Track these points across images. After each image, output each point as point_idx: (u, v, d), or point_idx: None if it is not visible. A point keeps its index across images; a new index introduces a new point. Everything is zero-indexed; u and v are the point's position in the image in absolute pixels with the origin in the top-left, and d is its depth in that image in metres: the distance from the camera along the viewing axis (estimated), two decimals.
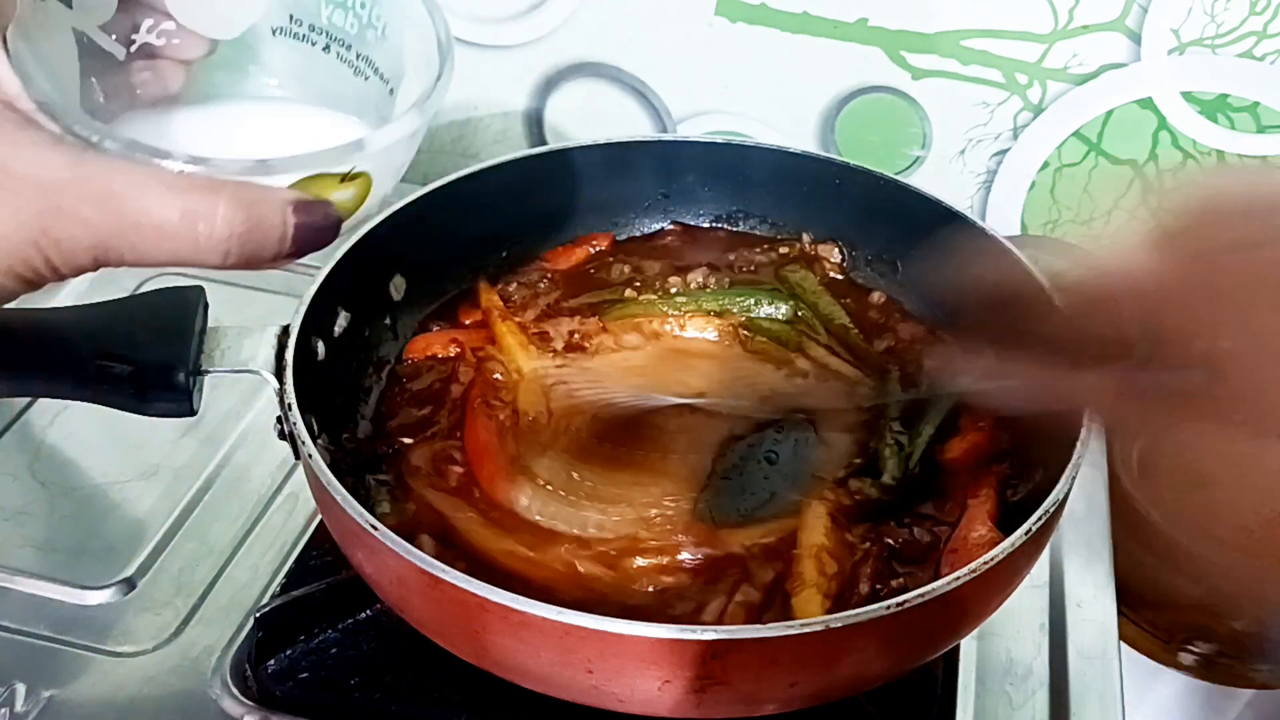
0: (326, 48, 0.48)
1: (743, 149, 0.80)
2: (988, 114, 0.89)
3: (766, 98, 0.93)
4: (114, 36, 0.44)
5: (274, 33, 0.47)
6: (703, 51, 0.91)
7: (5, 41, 0.38)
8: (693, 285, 0.76)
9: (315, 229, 0.40)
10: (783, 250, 0.79)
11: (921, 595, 0.48)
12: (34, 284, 0.37)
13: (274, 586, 0.67)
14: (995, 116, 0.88)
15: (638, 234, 0.81)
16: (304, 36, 0.47)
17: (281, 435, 0.58)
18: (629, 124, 0.96)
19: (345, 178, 0.41)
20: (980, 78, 0.87)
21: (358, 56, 0.48)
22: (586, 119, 0.97)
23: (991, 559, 0.49)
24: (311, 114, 0.47)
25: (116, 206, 0.36)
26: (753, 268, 0.77)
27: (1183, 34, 0.82)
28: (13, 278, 0.36)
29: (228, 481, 0.75)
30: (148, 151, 0.38)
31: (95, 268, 0.37)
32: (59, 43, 0.42)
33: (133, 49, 0.45)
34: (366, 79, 0.48)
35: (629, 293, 0.75)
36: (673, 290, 0.75)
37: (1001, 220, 0.92)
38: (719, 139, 0.81)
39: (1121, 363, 0.41)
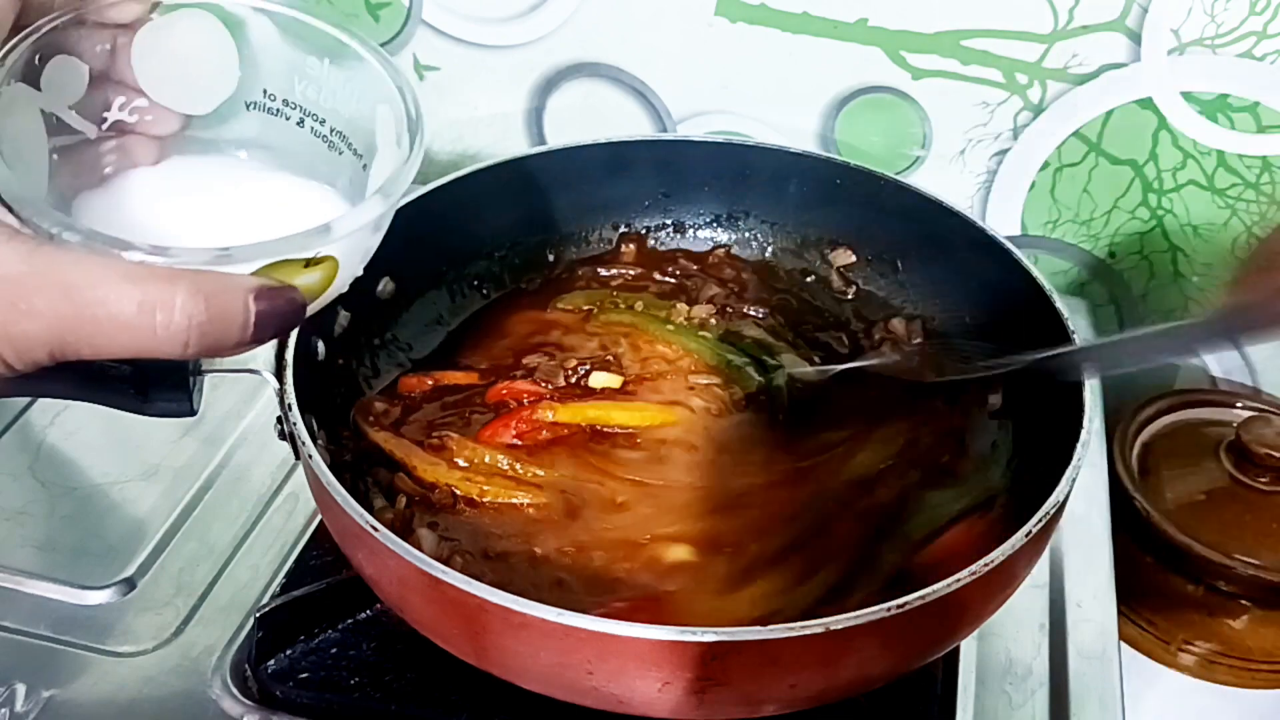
0: (300, 122, 0.47)
1: (743, 149, 0.80)
2: (988, 114, 0.88)
3: (766, 98, 0.93)
4: (85, 116, 0.44)
5: (248, 107, 0.47)
6: (703, 51, 0.91)
7: None
8: (695, 320, 0.74)
9: (278, 315, 0.39)
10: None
11: (922, 596, 0.48)
12: None
13: (274, 586, 0.67)
14: (995, 116, 0.88)
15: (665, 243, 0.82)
16: (277, 111, 0.47)
17: (281, 435, 0.58)
18: (629, 124, 0.96)
19: (310, 262, 0.40)
20: (980, 78, 0.87)
21: (331, 131, 0.47)
22: (586, 119, 0.97)
23: (992, 560, 0.49)
24: (283, 181, 0.47)
25: (72, 300, 0.35)
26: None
27: (1183, 34, 0.82)
28: (27, 363, 0.36)
29: (228, 481, 0.75)
30: (107, 242, 0.37)
31: (52, 362, 0.36)
32: (26, 125, 0.41)
33: (104, 127, 0.44)
34: (340, 154, 0.47)
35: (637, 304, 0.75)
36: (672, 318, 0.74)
37: (1001, 220, 0.92)
38: (719, 139, 0.81)
39: None
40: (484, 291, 0.77)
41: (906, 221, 0.74)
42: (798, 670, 0.49)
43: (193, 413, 0.56)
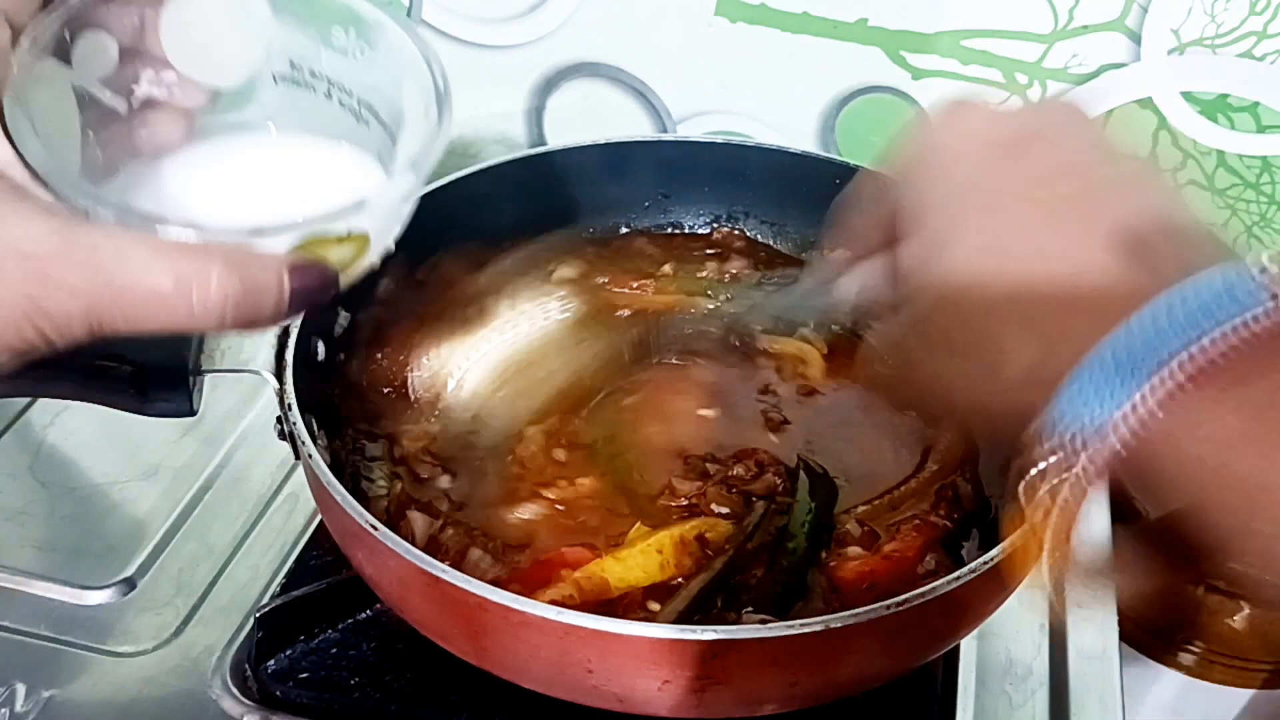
0: (328, 93, 0.47)
1: (743, 149, 0.80)
2: None
3: (766, 98, 0.93)
4: (115, 91, 0.44)
5: (275, 80, 0.47)
6: (703, 51, 0.91)
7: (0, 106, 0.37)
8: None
9: (312, 290, 0.39)
10: None
11: (921, 595, 0.48)
12: (27, 355, 0.36)
13: (274, 586, 0.67)
14: None
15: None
16: (305, 83, 0.47)
17: (281, 435, 0.58)
18: (629, 124, 0.96)
19: (343, 238, 0.41)
20: (980, 78, 0.87)
21: (359, 103, 0.47)
22: (586, 119, 0.97)
23: (991, 559, 0.49)
24: (315, 149, 0.47)
25: (106, 276, 0.35)
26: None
27: (1183, 34, 0.82)
28: (4, 350, 0.36)
29: (228, 481, 0.75)
30: (141, 218, 0.37)
31: (89, 338, 0.36)
32: (58, 101, 0.41)
33: (134, 101, 0.44)
34: (368, 125, 0.47)
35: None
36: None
37: None
38: (719, 139, 0.81)
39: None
40: None
41: None
42: (797, 669, 0.49)
43: (193, 413, 0.56)
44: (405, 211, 0.44)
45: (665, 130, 0.96)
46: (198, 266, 0.36)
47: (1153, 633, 0.83)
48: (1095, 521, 0.71)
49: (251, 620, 0.63)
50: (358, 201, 0.40)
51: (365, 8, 0.46)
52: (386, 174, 0.46)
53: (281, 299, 0.38)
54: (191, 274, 0.36)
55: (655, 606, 0.55)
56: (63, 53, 0.41)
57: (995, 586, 0.54)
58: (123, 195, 0.42)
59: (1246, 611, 0.80)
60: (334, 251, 0.41)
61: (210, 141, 0.46)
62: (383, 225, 0.43)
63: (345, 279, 0.42)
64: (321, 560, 0.68)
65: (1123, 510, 0.80)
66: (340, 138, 0.47)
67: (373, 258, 0.44)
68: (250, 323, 0.38)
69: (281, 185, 0.46)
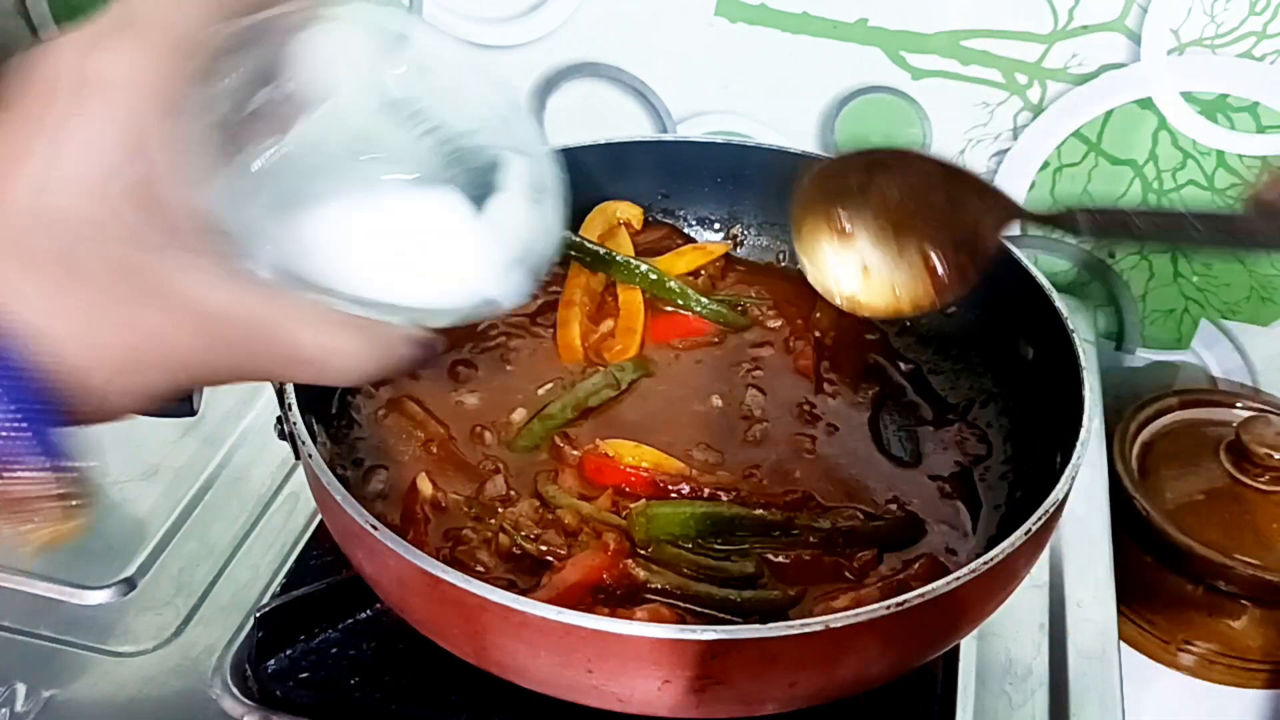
0: (428, 133, 0.47)
1: (743, 149, 0.80)
2: (988, 114, 0.89)
3: (766, 98, 0.93)
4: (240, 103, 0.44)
5: (383, 111, 0.47)
6: (703, 51, 0.91)
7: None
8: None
9: (419, 361, 0.42)
10: None
11: (921, 595, 0.48)
12: (161, 401, 0.38)
13: (274, 586, 0.67)
14: (995, 116, 0.88)
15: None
16: (413, 122, 0.47)
17: (281, 435, 0.58)
18: (629, 124, 0.96)
19: None
20: (980, 78, 0.87)
21: (453, 151, 0.47)
22: (586, 119, 0.97)
23: (991, 559, 0.49)
24: (426, 198, 0.47)
25: (267, 340, 0.37)
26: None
27: (1182, 34, 0.82)
28: (147, 398, 0.37)
29: (228, 481, 0.75)
30: (312, 289, 0.40)
31: (214, 385, 0.39)
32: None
33: (248, 111, 0.45)
34: (454, 175, 0.48)
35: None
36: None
37: None
38: (719, 139, 0.81)
39: None
40: None
41: None
42: (797, 669, 0.49)
43: (193, 413, 0.56)
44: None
45: (665, 130, 0.96)
46: (349, 340, 0.39)
47: (1153, 633, 0.83)
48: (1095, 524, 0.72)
49: (251, 620, 0.63)
50: (490, 300, 0.43)
51: (492, 80, 0.46)
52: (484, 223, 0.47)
53: (400, 368, 0.41)
54: (341, 346, 0.39)
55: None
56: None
57: (995, 586, 0.54)
58: (276, 245, 0.42)
59: (1247, 611, 0.80)
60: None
61: (332, 181, 0.46)
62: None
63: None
64: (321, 560, 0.68)
65: (1123, 510, 0.81)
66: (433, 180, 0.47)
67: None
68: (358, 384, 0.41)
69: (413, 250, 0.46)
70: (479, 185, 0.46)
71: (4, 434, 0.33)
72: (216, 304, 0.36)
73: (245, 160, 0.40)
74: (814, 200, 0.61)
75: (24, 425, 0.33)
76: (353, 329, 0.40)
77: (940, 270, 0.59)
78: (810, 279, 0.62)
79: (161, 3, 0.35)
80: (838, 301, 0.62)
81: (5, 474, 0.34)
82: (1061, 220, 0.55)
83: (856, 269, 0.61)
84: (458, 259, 0.47)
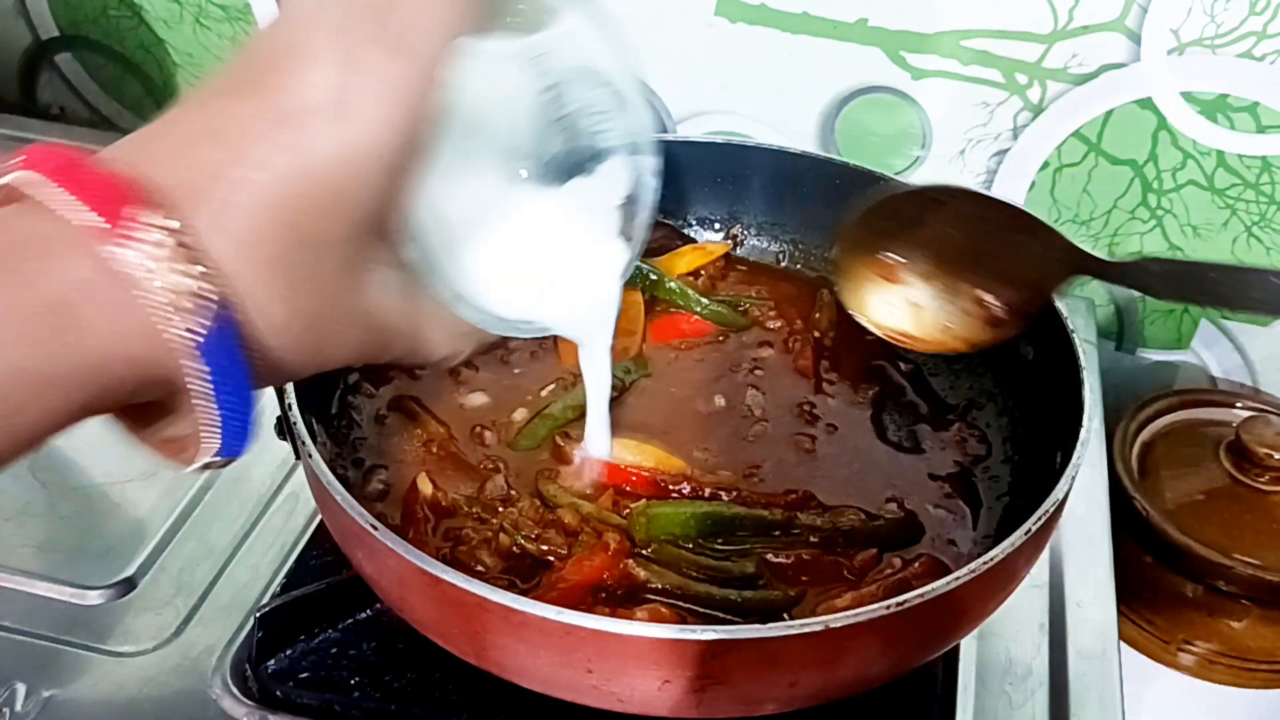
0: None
1: (743, 149, 0.80)
2: (988, 114, 0.89)
3: (766, 98, 0.93)
4: None
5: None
6: (703, 51, 0.91)
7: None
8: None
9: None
10: None
11: (921, 595, 0.48)
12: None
13: (274, 586, 0.67)
14: (995, 116, 0.88)
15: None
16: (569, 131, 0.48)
17: (281, 435, 0.58)
18: None
19: None
20: (980, 78, 0.87)
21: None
22: None
23: (991, 559, 0.49)
24: (575, 231, 0.49)
25: (410, 342, 0.42)
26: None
27: (1182, 34, 0.82)
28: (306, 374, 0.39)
29: (228, 481, 0.74)
30: (468, 312, 0.44)
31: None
32: None
33: None
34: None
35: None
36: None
37: None
38: (719, 139, 0.81)
39: None
40: None
41: None
42: (797, 669, 0.49)
43: None
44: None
45: (665, 130, 0.96)
46: (464, 344, 0.45)
47: (1153, 633, 0.83)
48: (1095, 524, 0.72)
49: (251, 620, 0.63)
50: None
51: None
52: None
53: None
54: (459, 348, 0.45)
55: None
56: None
57: (995, 586, 0.54)
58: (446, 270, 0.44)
59: (1247, 611, 0.80)
60: None
61: (490, 190, 0.46)
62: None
63: None
64: (321, 560, 0.68)
65: (1123, 510, 0.81)
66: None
67: None
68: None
69: (559, 282, 0.49)
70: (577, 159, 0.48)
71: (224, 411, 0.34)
72: (392, 313, 0.40)
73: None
74: (863, 234, 0.61)
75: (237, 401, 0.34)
76: (472, 338, 0.45)
77: (995, 311, 0.59)
78: (851, 308, 0.63)
79: (417, 16, 0.35)
80: (878, 333, 0.63)
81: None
82: (1132, 274, 0.54)
83: (905, 304, 0.61)
84: (593, 290, 0.50)
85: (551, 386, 0.69)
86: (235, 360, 0.33)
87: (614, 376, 0.69)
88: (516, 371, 0.71)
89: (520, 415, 0.67)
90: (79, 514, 0.72)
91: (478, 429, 0.67)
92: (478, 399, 0.69)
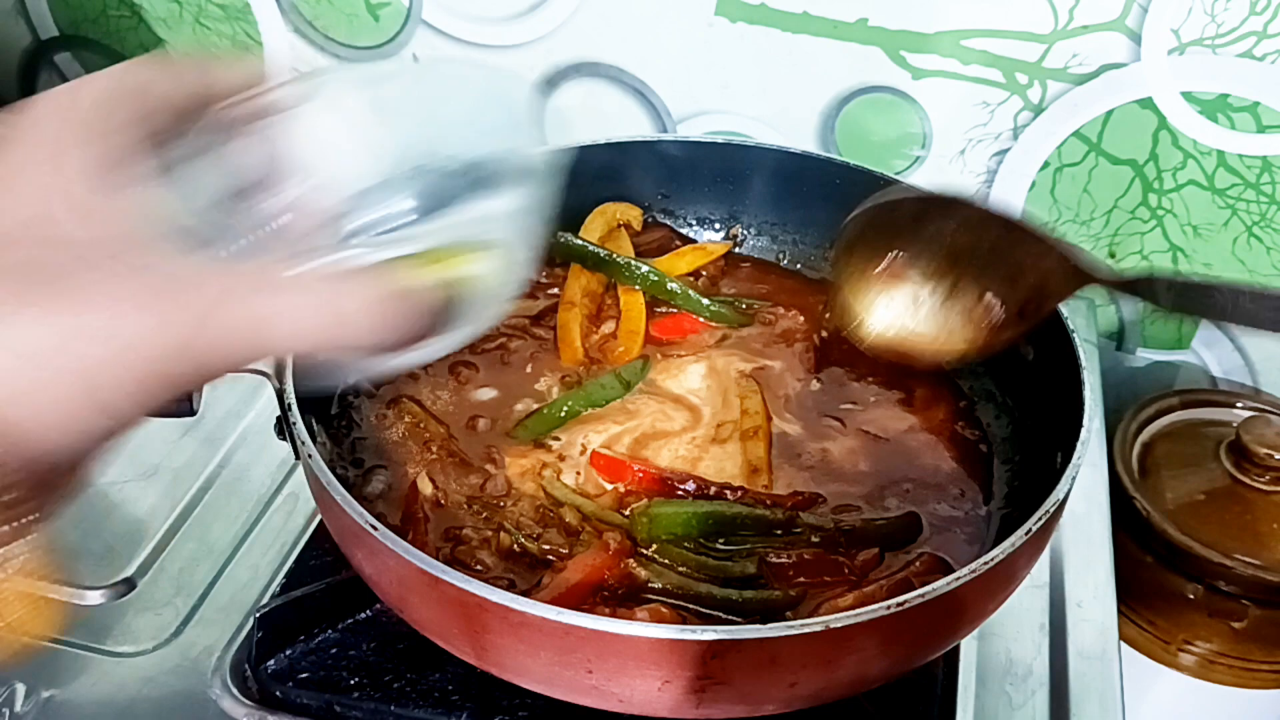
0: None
1: (743, 149, 0.80)
2: (988, 114, 0.89)
3: (766, 98, 0.93)
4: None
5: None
6: (703, 51, 0.91)
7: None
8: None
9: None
10: None
11: (921, 595, 0.48)
12: (173, 394, 0.35)
13: (274, 586, 0.67)
14: (995, 116, 0.88)
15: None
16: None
17: (281, 435, 0.58)
18: (629, 124, 0.96)
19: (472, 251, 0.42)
20: (980, 78, 0.87)
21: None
22: (586, 119, 0.97)
23: (992, 559, 0.49)
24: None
25: (257, 313, 0.35)
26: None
27: (1183, 34, 0.82)
28: (159, 384, 0.35)
29: (228, 481, 0.75)
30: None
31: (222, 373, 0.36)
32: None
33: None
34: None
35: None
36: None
37: None
38: (719, 139, 0.81)
39: None
40: None
41: None
42: (797, 669, 0.49)
43: (193, 413, 0.56)
44: (530, 228, 0.43)
45: (665, 130, 0.96)
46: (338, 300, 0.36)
47: (1153, 633, 0.83)
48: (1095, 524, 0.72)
49: (251, 620, 0.63)
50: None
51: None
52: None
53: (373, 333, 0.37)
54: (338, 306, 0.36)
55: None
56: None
57: (996, 586, 0.54)
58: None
59: (1247, 611, 0.80)
60: (465, 267, 0.41)
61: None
62: (508, 236, 0.42)
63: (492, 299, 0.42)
64: (321, 560, 0.68)
65: (1123, 510, 0.81)
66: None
67: (508, 276, 0.43)
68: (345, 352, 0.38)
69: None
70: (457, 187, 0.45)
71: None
72: (206, 286, 0.34)
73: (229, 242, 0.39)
74: (863, 238, 0.61)
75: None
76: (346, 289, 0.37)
77: (996, 318, 0.58)
78: (844, 316, 0.63)
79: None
80: (871, 340, 0.62)
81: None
82: (1140, 288, 0.54)
83: (904, 310, 0.61)
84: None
85: (552, 387, 0.69)
86: None
87: (620, 376, 0.69)
88: (510, 370, 0.71)
89: (522, 407, 0.68)
90: (79, 514, 0.72)
91: (473, 418, 0.67)
92: (477, 399, 0.69)
